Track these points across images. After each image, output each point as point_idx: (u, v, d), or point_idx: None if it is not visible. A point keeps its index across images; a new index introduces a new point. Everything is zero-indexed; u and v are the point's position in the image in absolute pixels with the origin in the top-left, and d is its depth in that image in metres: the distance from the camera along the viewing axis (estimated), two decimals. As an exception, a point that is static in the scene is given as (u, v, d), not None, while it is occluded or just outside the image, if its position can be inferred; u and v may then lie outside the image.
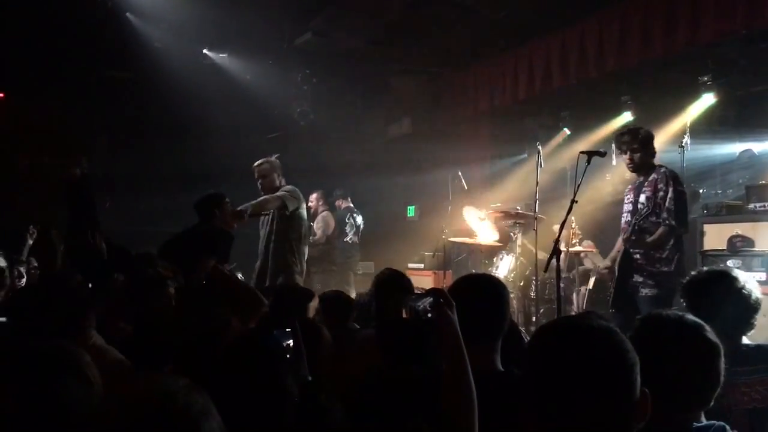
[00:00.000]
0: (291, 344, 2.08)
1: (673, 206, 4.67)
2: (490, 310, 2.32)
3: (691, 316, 1.95)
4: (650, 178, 4.81)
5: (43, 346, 1.66)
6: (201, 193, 4.80)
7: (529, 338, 2.53)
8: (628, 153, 4.86)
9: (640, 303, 4.67)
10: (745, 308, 2.58)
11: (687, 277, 2.84)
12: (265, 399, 1.94)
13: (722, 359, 1.85)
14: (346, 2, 7.35)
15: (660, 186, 4.72)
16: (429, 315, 1.92)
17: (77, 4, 6.59)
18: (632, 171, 4.96)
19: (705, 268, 2.81)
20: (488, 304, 2.33)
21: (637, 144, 4.82)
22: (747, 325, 2.59)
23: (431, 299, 1.95)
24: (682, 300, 4.86)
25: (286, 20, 7.83)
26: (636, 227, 4.69)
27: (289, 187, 5.85)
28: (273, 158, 6.00)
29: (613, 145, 5.33)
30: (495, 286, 2.44)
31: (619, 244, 5.13)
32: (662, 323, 1.93)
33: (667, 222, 4.67)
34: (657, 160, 4.95)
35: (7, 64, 7.36)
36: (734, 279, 2.63)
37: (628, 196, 5.00)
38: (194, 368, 2.11)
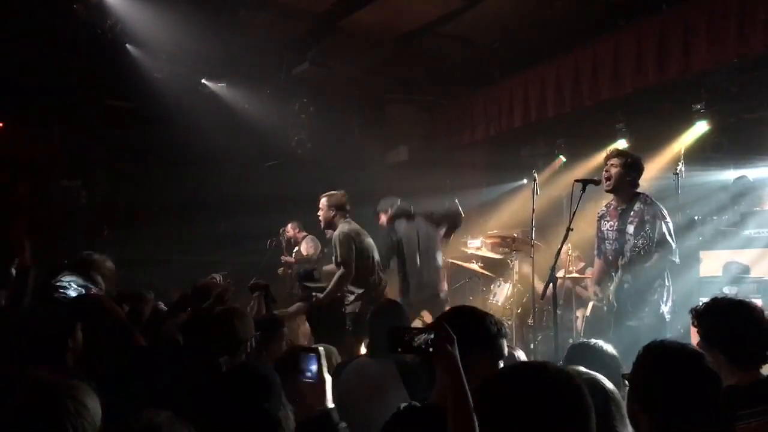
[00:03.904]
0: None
1: (665, 239, 4.66)
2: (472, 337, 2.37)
3: (691, 346, 1.97)
4: (635, 208, 4.76)
5: (52, 378, 1.73)
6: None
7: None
8: (607, 166, 4.82)
9: (627, 331, 4.60)
10: (764, 340, 2.52)
11: (696, 306, 2.72)
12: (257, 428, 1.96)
13: (721, 389, 1.86)
14: (343, 32, 7.45)
15: (647, 218, 4.69)
16: (430, 349, 1.93)
17: (78, 36, 6.67)
18: (608, 189, 4.83)
19: (722, 297, 2.72)
20: (469, 332, 2.37)
21: (619, 162, 4.77)
22: (764, 357, 2.53)
23: (431, 334, 1.95)
24: (680, 328, 4.82)
25: (284, 50, 7.92)
26: (633, 253, 4.67)
27: (342, 239, 5.84)
28: (338, 193, 6.03)
29: None
30: (470, 313, 2.48)
31: (597, 266, 5.12)
32: (664, 352, 1.95)
33: (659, 252, 4.66)
34: (652, 187, 4.95)
35: (7, 93, 7.41)
36: (753, 309, 2.58)
37: (611, 222, 4.91)
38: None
